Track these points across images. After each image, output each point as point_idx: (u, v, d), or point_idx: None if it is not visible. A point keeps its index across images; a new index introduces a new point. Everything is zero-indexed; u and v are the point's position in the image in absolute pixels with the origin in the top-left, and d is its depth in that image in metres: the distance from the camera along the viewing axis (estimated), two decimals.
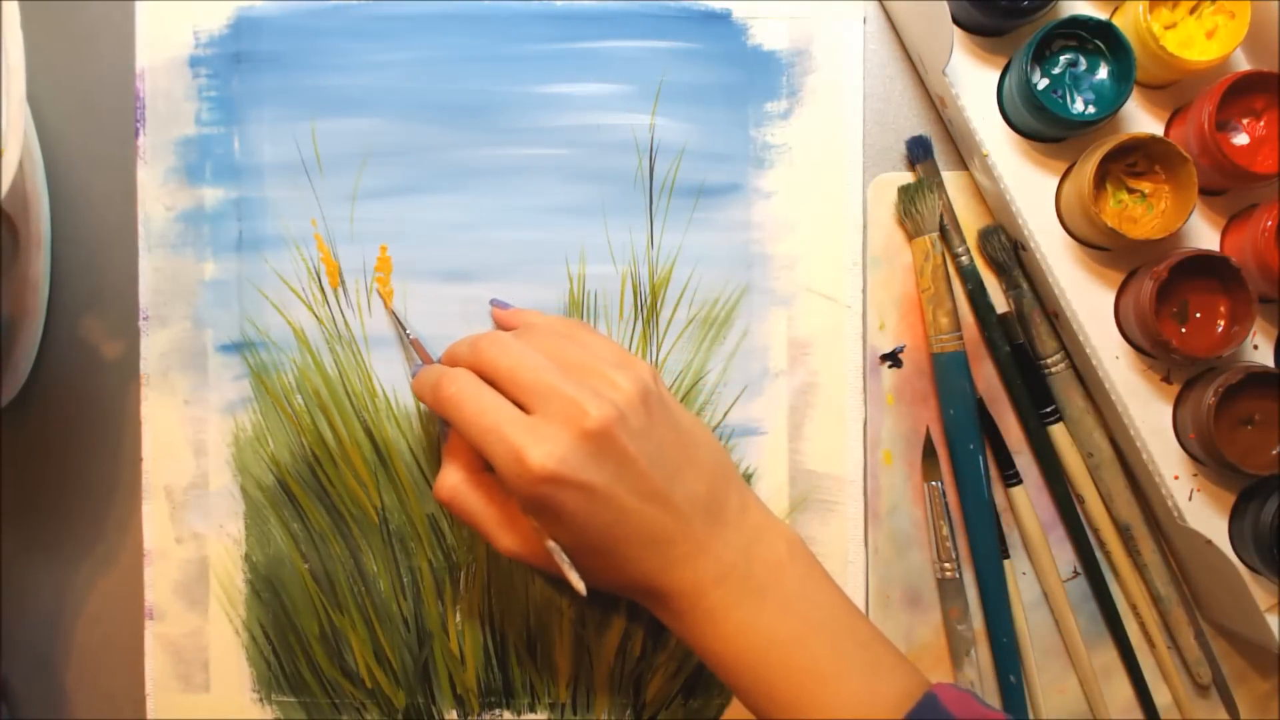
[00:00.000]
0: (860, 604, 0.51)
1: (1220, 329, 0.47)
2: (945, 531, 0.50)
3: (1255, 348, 0.48)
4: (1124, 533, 0.50)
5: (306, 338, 0.51)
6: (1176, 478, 0.48)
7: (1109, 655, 0.51)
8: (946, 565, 0.50)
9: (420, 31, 0.51)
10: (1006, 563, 0.51)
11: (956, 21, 0.48)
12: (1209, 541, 0.47)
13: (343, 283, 0.51)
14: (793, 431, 0.51)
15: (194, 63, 0.51)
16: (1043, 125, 0.47)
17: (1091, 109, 0.47)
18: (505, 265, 0.51)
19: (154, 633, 0.51)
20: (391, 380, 0.51)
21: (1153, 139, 0.46)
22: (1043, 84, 0.47)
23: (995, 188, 0.49)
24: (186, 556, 0.51)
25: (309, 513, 0.51)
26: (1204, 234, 0.48)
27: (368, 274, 0.51)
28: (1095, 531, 0.51)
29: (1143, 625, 0.51)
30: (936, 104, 0.51)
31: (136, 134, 0.51)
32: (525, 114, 0.51)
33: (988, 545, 0.50)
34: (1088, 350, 0.48)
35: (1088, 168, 0.46)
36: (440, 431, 0.50)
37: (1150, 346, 0.47)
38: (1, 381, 0.49)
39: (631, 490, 0.41)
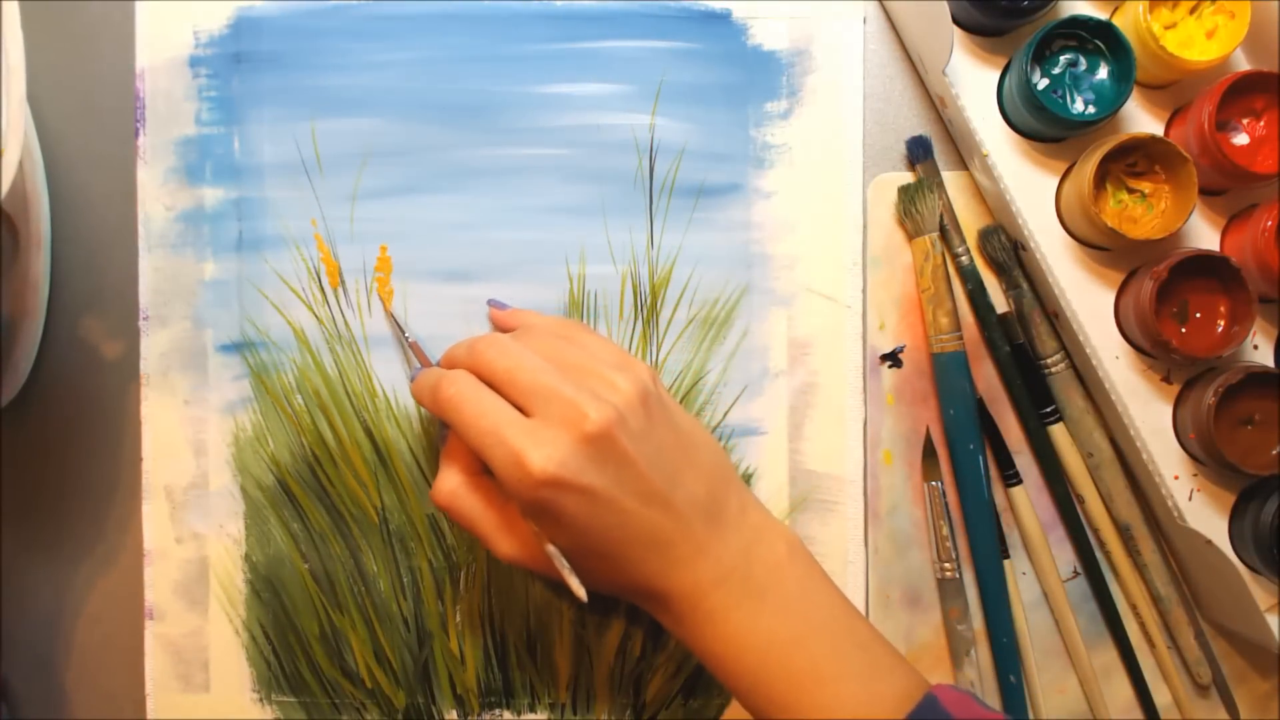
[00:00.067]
0: (860, 604, 0.51)
1: (1220, 329, 0.47)
2: (945, 531, 0.50)
3: (1255, 348, 0.48)
4: (1124, 533, 0.50)
5: (306, 338, 0.51)
6: (1176, 478, 0.48)
7: (1109, 655, 0.51)
8: (946, 565, 0.50)
9: (420, 31, 0.51)
10: (1006, 563, 0.51)
11: (956, 21, 0.48)
12: (1209, 541, 0.47)
13: (343, 283, 0.51)
14: (793, 431, 0.51)
15: (194, 63, 0.51)
16: (1043, 125, 0.47)
17: (1091, 109, 0.47)
18: (505, 265, 0.51)
19: (154, 633, 0.51)
20: (391, 380, 0.51)
21: (1153, 139, 0.46)
22: (1043, 84, 0.47)
23: (995, 188, 0.49)
24: (186, 556, 0.51)
25: (309, 513, 0.51)
26: (1204, 234, 0.48)
27: (368, 274, 0.51)
28: (1095, 531, 0.51)
29: (1143, 625, 0.51)
30: (936, 104, 0.51)
31: (136, 134, 0.51)
32: (525, 114, 0.51)
33: (988, 545, 0.50)
34: (1088, 350, 0.48)
35: (1088, 168, 0.46)
36: (439, 434, 0.50)
37: (1150, 346, 0.47)
38: (1, 381, 0.49)
39: (632, 493, 0.41)
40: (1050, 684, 0.51)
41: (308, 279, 0.51)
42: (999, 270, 0.51)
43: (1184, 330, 0.47)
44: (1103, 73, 0.47)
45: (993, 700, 0.51)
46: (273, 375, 0.51)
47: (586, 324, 0.50)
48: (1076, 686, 0.51)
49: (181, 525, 0.51)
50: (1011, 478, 0.51)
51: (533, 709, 0.51)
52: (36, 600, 0.52)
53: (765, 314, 0.51)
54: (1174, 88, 0.48)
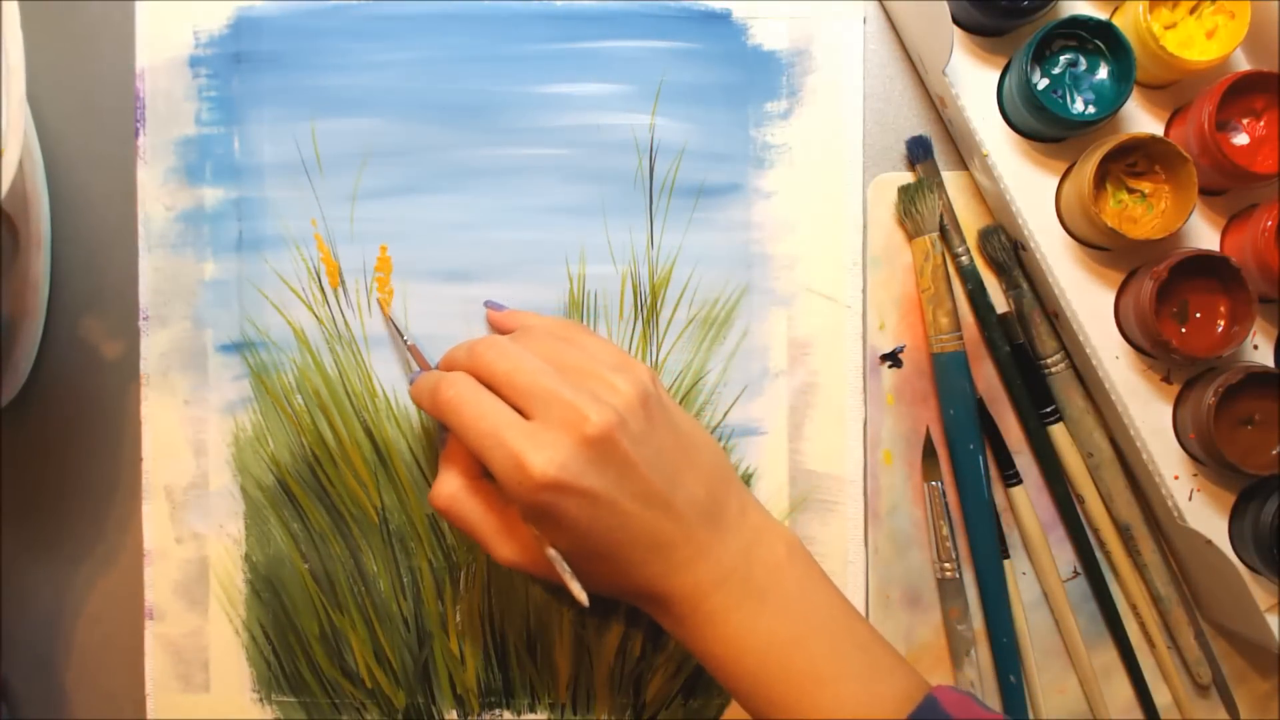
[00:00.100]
0: (860, 604, 0.51)
1: (1220, 329, 0.47)
2: (945, 531, 0.50)
3: (1255, 348, 0.48)
4: (1124, 533, 0.50)
5: (306, 338, 0.51)
6: (1176, 478, 0.48)
7: (1109, 655, 0.51)
8: (946, 565, 0.50)
9: (420, 31, 0.51)
10: (1006, 563, 0.51)
11: (956, 21, 0.48)
12: (1209, 541, 0.47)
13: (343, 283, 0.51)
14: (793, 431, 0.51)
15: (194, 63, 0.51)
16: (1043, 125, 0.47)
17: (1091, 109, 0.47)
18: (505, 265, 0.51)
19: (154, 633, 0.51)
20: (391, 380, 0.51)
21: (1153, 139, 0.46)
22: (1043, 84, 0.47)
23: (995, 188, 0.49)
24: (186, 556, 0.51)
25: (309, 513, 0.51)
26: (1204, 234, 0.48)
27: (368, 274, 0.51)
28: (1095, 531, 0.51)
29: (1143, 625, 0.51)
30: (936, 104, 0.51)
31: (136, 134, 0.51)
32: (525, 114, 0.51)
33: (988, 545, 0.50)
34: (1088, 350, 0.48)
35: (1088, 168, 0.46)
36: (439, 438, 0.50)
37: (1150, 346, 0.47)
38: (1, 381, 0.49)
39: (632, 495, 0.41)
40: (1050, 684, 0.51)
41: (308, 279, 0.51)
42: (999, 270, 0.51)
43: (1184, 330, 0.47)
44: (1103, 73, 0.47)
45: (993, 700, 0.51)
46: (273, 375, 0.51)
47: (585, 325, 0.50)
48: (1076, 686, 0.51)
49: (181, 525, 0.51)
50: (1011, 478, 0.51)
51: (533, 709, 0.51)
52: (36, 600, 0.52)
53: (765, 314, 0.51)
54: (1174, 88, 0.48)
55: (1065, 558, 0.51)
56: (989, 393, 0.51)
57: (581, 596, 0.42)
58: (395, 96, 0.51)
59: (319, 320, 0.51)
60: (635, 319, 0.51)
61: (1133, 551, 0.51)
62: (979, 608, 0.51)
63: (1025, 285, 0.50)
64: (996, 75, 0.49)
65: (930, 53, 0.49)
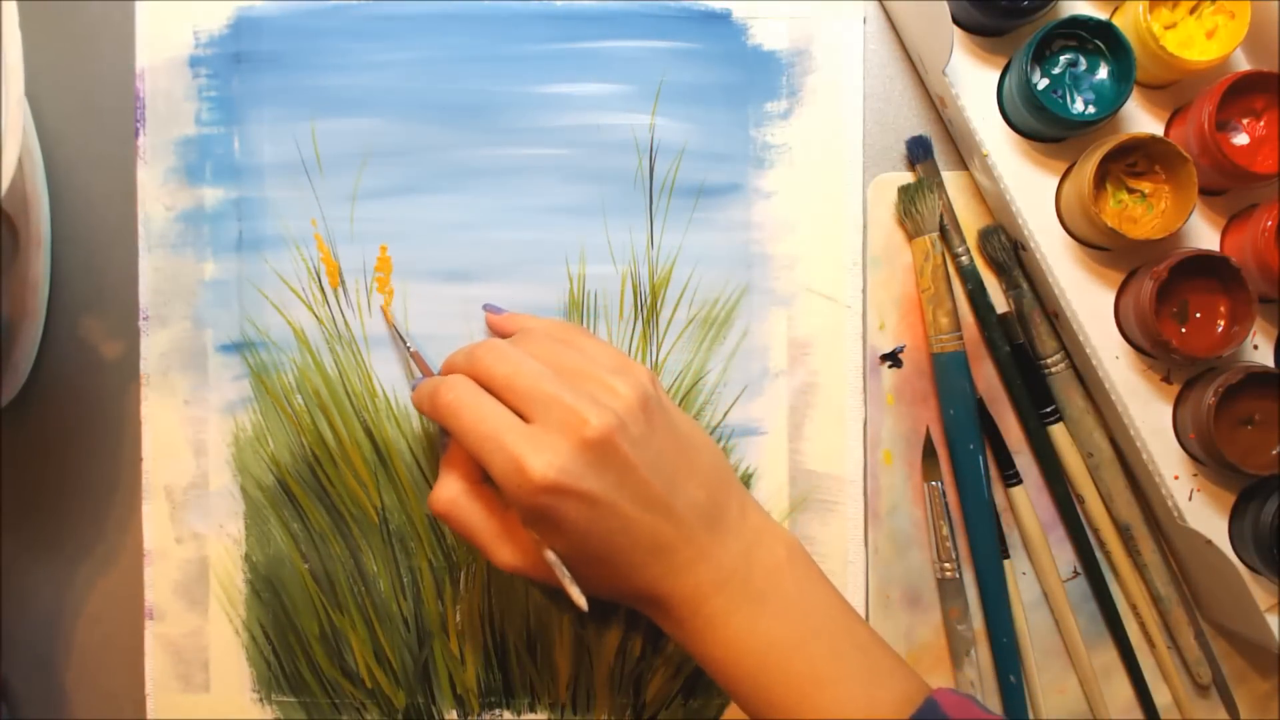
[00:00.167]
0: (860, 604, 0.51)
1: (1220, 329, 0.47)
2: (945, 531, 0.50)
3: (1255, 348, 0.48)
4: (1124, 533, 0.50)
5: (306, 338, 0.51)
6: (1176, 478, 0.48)
7: (1109, 655, 0.51)
8: (946, 565, 0.50)
9: (420, 31, 0.51)
10: (1006, 563, 0.51)
11: (956, 21, 0.48)
12: (1209, 541, 0.47)
13: (343, 283, 0.51)
14: (793, 431, 0.51)
15: (194, 63, 0.51)
16: (1043, 125, 0.47)
17: (1091, 109, 0.47)
18: (505, 265, 0.51)
19: (154, 633, 0.51)
20: (391, 380, 0.51)
21: (1153, 139, 0.46)
22: (1043, 84, 0.47)
23: (995, 188, 0.49)
24: (186, 556, 0.51)
25: (309, 513, 0.51)
26: (1204, 234, 0.48)
27: (368, 274, 0.51)
28: (1095, 531, 0.51)
29: (1143, 625, 0.51)
30: (936, 104, 0.51)
31: (136, 134, 0.51)
32: (525, 114, 0.51)
33: (988, 545, 0.50)
34: (1088, 350, 0.48)
35: (1088, 168, 0.46)
36: (441, 442, 0.50)
37: (1150, 346, 0.47)
38: (1, 381, 0.49)
39: (632, 499, 0.41)
40: (1050, 684, 0.51)
41: (308, 279, 0.51)
42: (999, 270, 0.51)
43: (1184, 330, 0.47)
44: (1103, 73, 0.47)
45: (993, 700, 0.51)
46: (273, 375, 0.51)
47: (585, 327, 0.50)
48: (1076, 686, 0.51)
49: (181, 525, 0.51)
50: (1011, 478, 0.51)
51: (533, 709, 0.51)
52: (36, 600, 0.52)
53: (765, 314, 0.51)
54: (1174, 88, 0.48)
55: (1065, 558, 0.51)
56: (989, 393, 0.51)
57: (580, 601, 0.42)
58: (395, 96, 0.51)
59: (319, 320, 0.51)
60: (635, 319, 0.51)
61: (1133, 551, 0.51)
62: (979, 608, 0.51)
63: (1025, 285, 0.50)
64: (996, 75, 0.49)
65: (930, 53, 0.49)
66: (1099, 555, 0.51)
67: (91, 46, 0.51)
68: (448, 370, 0.44)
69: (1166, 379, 0.48)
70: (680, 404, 0.51)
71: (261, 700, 0.51)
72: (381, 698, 0.51)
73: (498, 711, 0.51)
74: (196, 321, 0.51)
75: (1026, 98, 0.46)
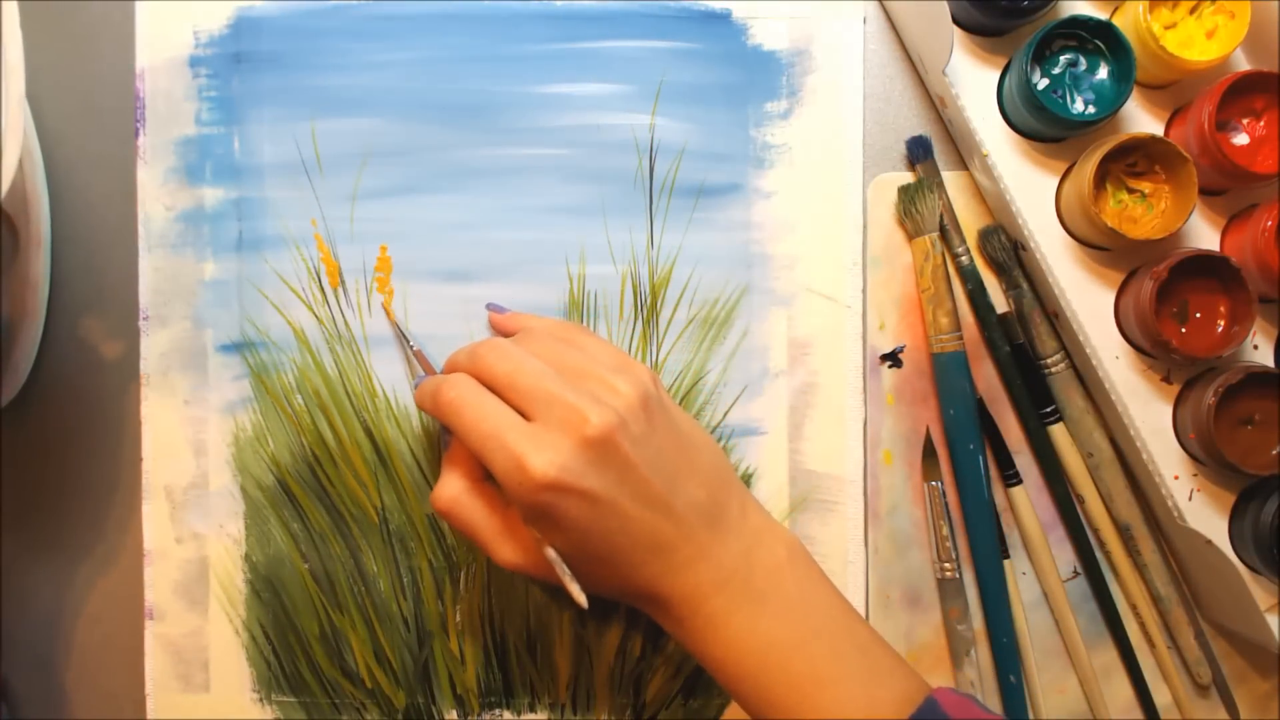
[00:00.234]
0: (860, 604, 0.51)
1: (1220, 329, 0.47)
2: (945, 531, 0.50)
3: (1255, 348, 0.48)
4: (1124, 533, 0.50)
5: (306, 338, 0.51)
6: (1176, 478, 0.48)
7: (1109, 655, 0.51)
8: (946, 565, 0.50)
9: (420, 31, 0.51)
10: (1006, 563, 0.51)
11: (956, 21, 0.48)
12: (1209, 541, 0.47)
13: (343, 283, 0.51)
14: (793, 431, 0.51)
15: (194, 63, 0.51)
16: (1043, 125, 0.47)
17: (1091, 109, 0.47)
18: (505, 265, 0.51)
19: (154, 633, 0.51)
20: (391, 380, 0.51)
21: (1153, 139, 0.46)
22: (1043, 84, 0.47)
23: (995, 188, 0.49)
24: (186, 556, 0.51)
25: (309, 513, 0.51)
26: (1204, 234, 0.48)
27: (368, 274, 0.51)
28: (1095, 531, 0.51)
29: (1143, 625, 0.51)
30: (936, 104, 0.51)
31: (136, 134, 0.51)
32: (525, 114, 0.51)
33: (988, 545, 0.50)
34: (1088, 350, 0.48)
35: (1088, 168, 0.46)
36: (442, 441, 0.50)
37: (1150, 346, 0.47)
38: (1, 381, 0.49)
39: (633, 497, 0.41)
40: (1050, 684, 0.51)
41: (308, 279, 0.51)
42: (999, 270, 0.51)
43: (1184, 330, 0.47)
44: (1103, 73, 0.47)
45: (993, 700, 0.51)
46: (273, 375, 0.51)
47: (586, 326, 0.50)
48: (1076, 686, 0.51)
49: (181, 525, 0.51)
50: (1011, 478, 0.51)
51: (533, 709, 0.51)
52: (36, 600, 0.52)
53: (765, 314, 0.51)
54: (1174, 88, 0.48)
55: (1065, 558, 0.51)
56: (989, 393, 0.51)
57: (580, 598, 0.42)
58: (395, 96, 0.51)
59: (319, 320, 0.51)
60: (635, 319, 0.51)
61: (1133, 551, 0.51)
62: (979, 608, 0.51)
63: (1025, 285, 0.50)
64: (996, 75, 0.49)
65: (930, 53, 0.49)
66: (1099, 555, 0.51)
67: (91, 46, 0.51)
68: (450, 369, 0.44)
69: (1166, 379, 0.48)
70: (680, 404, 0.51)
71: (261, 700, 0.51)
72: (381, 698, 0.51)
73: (498, 711, 0.51)
74: (196, 321, 0.51)
75: (1026, 98, 0.46)
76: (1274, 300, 0.48)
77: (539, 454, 0.40)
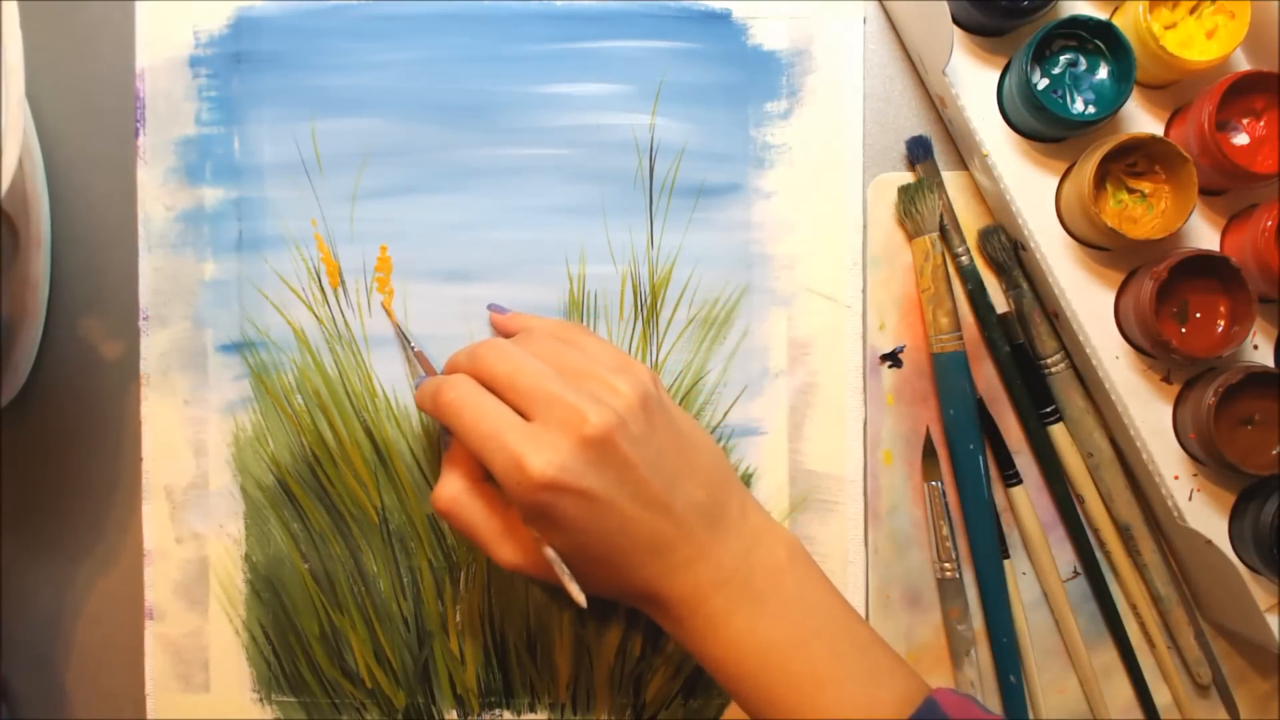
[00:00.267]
0: (860, 604, 0.51)
1: (1220, 329, 0.47)
2: (945, 531, 0.50)
3: (1255, 348, 0.48)
4: (1124, 533, 0.50)
5: (306, 338, 0.51)
6: (1176, 478, 0.48)
7: (1109, 655, 0.51)
8: (946, 565, 0.50)
9: (420, 31, 0.51)
10: (1006, 563, 0.51)
11: (956, 21, 0.48)
12: (1209, 541, 0.47)
13: (343, 283, 0.51)
14: (793, 431, 0.51)
15: (194, 63, 0.51)
16: (1043, 125, 0.47)
17: (1091, 109, 0.47)
18: (505, 265, 0.51)
19: (154, 633, 0.51)
20: (391, 380, 0.51)
21: (1153, 139, 0.46)
22: (1043, 84, 0.47)
23: (995, 188, 0.49)
24: (186, 556, 0.51)
25: (309, 513, 0.51)
26: (1204, 234, 0.48)
27: (368, 274, 0.51)
28: (1095, 531, 0.51)
29: (1143, 625, 0.51)
30: (936, 104, 0.51)
31: (136, 134, 0.51)
32: (525, 114, 0.51)
33: (988, 545, 0.50)
34: (1088, 350, 0.48)
35: (1088, 168, 0.46)
36: (443, 441, 0.50)
37: (1150, 346, 0.47)
38: (1, 381, 0.49)
39: (632, 497, 0.41)
40: (1050, 684, 0.51)
41: (308, 279, 0.51)
42: (999, 270, 0.51)
43: (1184, 330, 0.47)
44: (1103, 73, 0.47)
45: (993, 700, 0.51)
46: (273, 375, 0.51)
47: (587, 327, 0.50)
48: (1076, 686, 0.51)
49: (181, 525, 0.51)
50: (1011, 478, 0.51)
51: (533, 709, 0.51)
52: (36, 600, 0.52)
53: (765, 314, 0.51)
54: (1174, 88, 0.48)
55: (1065, 558, 0.51)
56: (989, 393, 0.51)
57: (580, 598, 0.42)
58: (395, 96, 0.51)
59: (319, 320, 0.51)
60: (635, 319, 0.51)
61: (1133, 551, 0.51)
62: (979, 608, 0.51)
63: (1025, 285, 0.50)
64: (996, 75, 0.49)
65: (930, 53, 0.49)
66: (1099, 555, 0.51)
67: (91, 46, 0.51)
68: (450, 369, 0.44)
69: (1166, 379, 0.48)
70: (680, 404, 0.51)
71: (261, 700, 0.51)
72: (381, 698, 0.51)
73: (498, 711, 0.51)
74: (196, 321, 0.51)
75: (1026, 98, 0.46)
76: (1274, 300, 0.48)
77: (538, 454, 0.40)
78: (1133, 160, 0.47)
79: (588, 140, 0.51)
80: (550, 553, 0.42)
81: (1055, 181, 0.48)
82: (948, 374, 0.50)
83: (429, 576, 0.51)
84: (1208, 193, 0.48)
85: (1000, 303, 0.51)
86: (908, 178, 0.51)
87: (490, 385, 0.42)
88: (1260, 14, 0.47)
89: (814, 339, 0.51)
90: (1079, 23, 0.46)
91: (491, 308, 0.50)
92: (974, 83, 0.49)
